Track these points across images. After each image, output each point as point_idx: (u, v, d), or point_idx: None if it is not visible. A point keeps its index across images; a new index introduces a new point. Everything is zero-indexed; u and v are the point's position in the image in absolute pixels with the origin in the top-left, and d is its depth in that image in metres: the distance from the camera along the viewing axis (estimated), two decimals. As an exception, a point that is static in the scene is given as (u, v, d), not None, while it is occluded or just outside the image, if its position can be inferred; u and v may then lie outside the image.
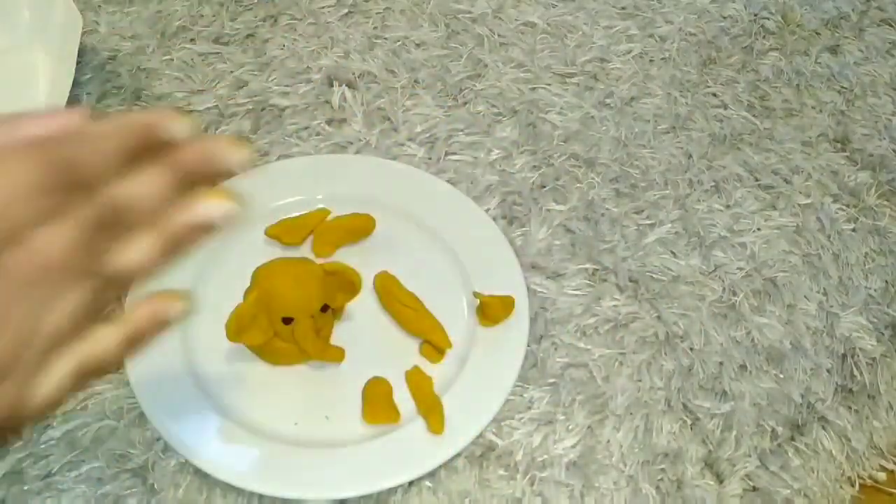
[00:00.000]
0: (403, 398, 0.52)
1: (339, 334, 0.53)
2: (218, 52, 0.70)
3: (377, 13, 0.73)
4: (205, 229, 0.30)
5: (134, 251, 0.28)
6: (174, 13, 0.73)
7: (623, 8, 0.75)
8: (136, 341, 0.30)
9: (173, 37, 0.71)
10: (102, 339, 0.29)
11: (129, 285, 0.30)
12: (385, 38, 0.72)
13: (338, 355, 0.52)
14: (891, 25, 0.76)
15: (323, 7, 0.73)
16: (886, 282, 0.61)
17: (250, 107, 0.67)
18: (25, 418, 0.29)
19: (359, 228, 0.58)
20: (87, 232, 0.27)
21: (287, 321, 0.49)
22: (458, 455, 0.50)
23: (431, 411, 0.50)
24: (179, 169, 0.29)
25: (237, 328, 0.48)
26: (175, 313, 0.31)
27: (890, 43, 0.75)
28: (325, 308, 0.50)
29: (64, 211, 0.27)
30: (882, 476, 0.54)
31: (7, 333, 0.26)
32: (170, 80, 0.68)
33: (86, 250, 0.27)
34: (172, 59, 0.69)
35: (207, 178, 0.30)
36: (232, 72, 0.69)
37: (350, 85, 0.68)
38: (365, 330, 0.54)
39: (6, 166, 0.26)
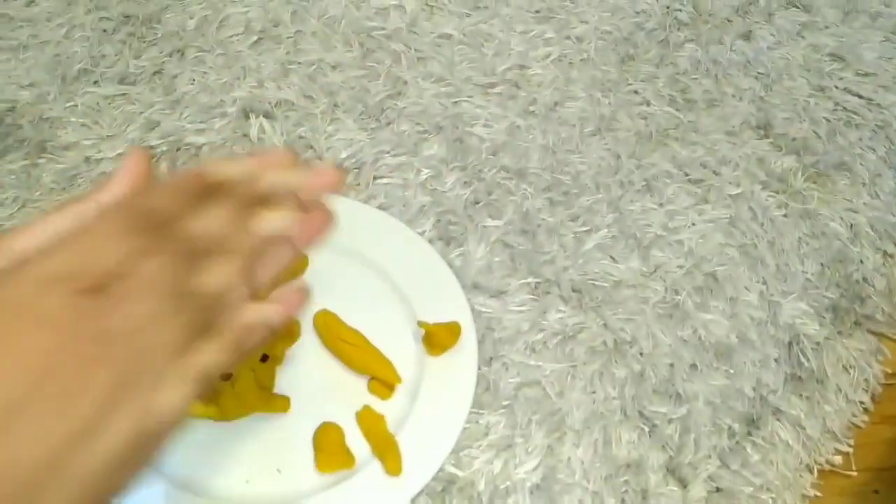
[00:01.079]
0: (357, 440, 0.50)
1: (283, 381, 0.51)
2: (125, 94, 0.67)
3: (288, 37, 0.71)
4: (272, 241, 0.35)
5: (218, 272, 0.33)
6: (73, 55, 0.69)
7: (537, 11, 0.75)
8: (242, 348, 0.34)
9: (75, 81, 0.67)
10: (209, 350, 0.33)
11: (226, 303, 0.33)
12: (299, 63, 0.69)
13: (283, 405, 0.50)
14: (798, 7, 0.77)
15: (231, 36, 0.71)
16: (822, 264, 0.61)
17: (165, 148, 0.64)
18: (157, 430, 0.31)
19: (291, 269, 0.55)
20: (177, 259, 0.32)
21: (226, 377, 0.47)
22: (419, 493, 0.49)
23: (387, 452, 0.49)
24: (240, 198, 0.35)
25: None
26: (273, 318, 0.36)
27: (800, 24, 0.76)
28: (264, 358, 0.48)
29: (154, 248, 0.32)
30: (838, 460, 0.54)
31: (121, 348, 0.29)
32: (76, 128, 0.64)
33: (179, 274, 0.31)
34: (77, 105, 0.66)
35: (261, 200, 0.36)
36: (142, 112, 0.65)
37: (267, 115, 0.66)
38: (310, 373, 0.52)
39: (103, 220, 0.32)
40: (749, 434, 0.53)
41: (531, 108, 0.68)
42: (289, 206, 0.37)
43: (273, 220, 0.35)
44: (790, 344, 0.57)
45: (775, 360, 0.56)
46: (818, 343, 0.57)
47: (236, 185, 0.36)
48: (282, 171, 0.37)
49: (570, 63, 0.71)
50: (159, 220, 0.33)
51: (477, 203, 0.62)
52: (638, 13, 0.75)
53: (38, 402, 0.28)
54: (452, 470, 0.50)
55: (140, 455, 0.31)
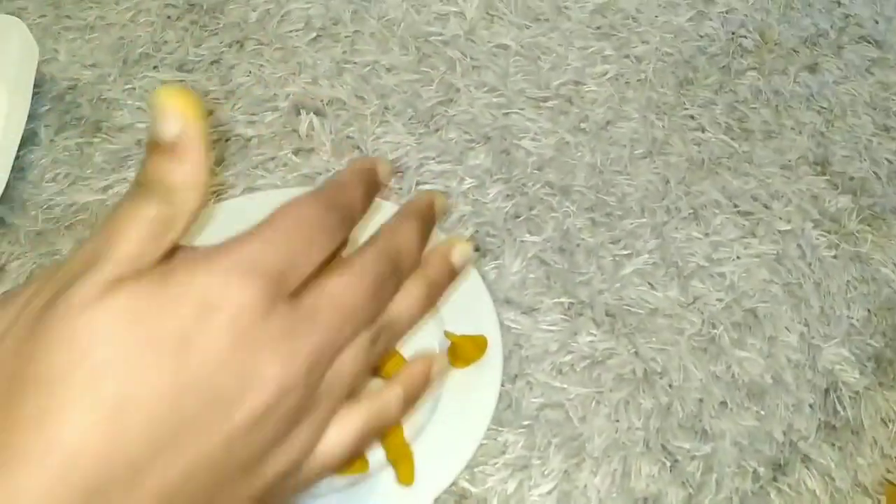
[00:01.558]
0: (373, 445, 0.50)
1: (306, 379, 0.51)
2: (182, 80, 0.68)
3: (346, 37, 0.71)
4: (455, 273, 0.33)
5: (407, 297, 0.30)
6: (137, 39, 0.70)
7: (598, 28, 0.74)
8: (412, 398, 0.32)
9: (135, 64, 0.69)
10: (387, 396, 0.30)
11: (402, 334, 0.31)
12: (354, 63, 0.70)
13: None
14: (869, 42, 0.75)
15: (290, 31, 0.71)
16: (869, 311, 0.59)
17: (215, 137, 0.65)
18: (310, 476, 0.28)
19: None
20: (377, 281, 0.28)
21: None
22: (429, 505, 0.48)
23: (401, 460, 0.48)
24: (423, 218, 0.32)
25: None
26: (440, 371, 0.34)
27: (869, 60, 0.73)
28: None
29: (353, 260, 0.28)
30: (867, 515, 0.52)
31: (312, 376, 0.26)
32: (132, 111, 0.66)
33: (375, 300, 0.28)
34: (135, 89, 0.67)
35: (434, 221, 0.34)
36: (196, 100, 0.66)
37: (318, 112, 0.66)
38: (332, 374, 0.52)
39: (296, 208, 0.27)
40: (774, 480, 0.52)
41: (582, 125, 0.67)
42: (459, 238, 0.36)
43: (466, 251, 0.34)
44: (827, 391, 0.55)
45: (810, 406, 0.55)
46: (857, 392, 0.55)
47: (420, 205, 0.34)
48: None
49: (627, 82, 0.70)
50: (353, 213, 0.29)
51: (517, 217, 0.61)
52: (701, 37, 0.74)
53: (221, 423, 0.25)
54: (465, 485, 0.50)
55: (290, 490, 0.29)
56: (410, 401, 0.32)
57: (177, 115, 0.26)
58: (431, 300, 0.32)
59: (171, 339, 0.24)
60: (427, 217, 0.33)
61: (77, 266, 0.25)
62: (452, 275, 0.33)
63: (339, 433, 0.28)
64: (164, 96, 0.26)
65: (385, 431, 0.32)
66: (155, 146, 0.26)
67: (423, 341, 0.53)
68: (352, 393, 0.29)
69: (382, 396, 0.30)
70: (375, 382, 0.33)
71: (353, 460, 0.30)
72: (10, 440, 0.22)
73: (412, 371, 0.32)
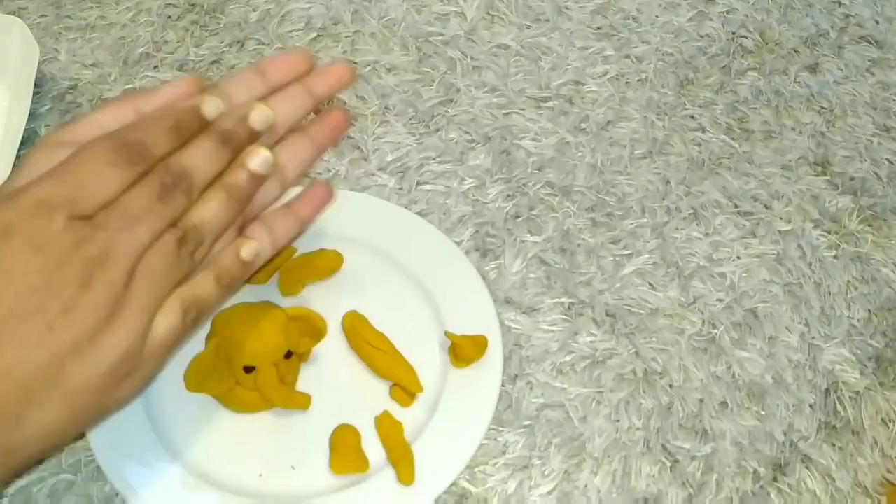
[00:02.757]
0: (373, 444, 0.50)
1: (306, 378, 0.51)
2: (182, 80, 0.68)
3: (346, 37, 0.71)
4: (256, 178, 0.37)
5: (206, 206, 0.35)
6: (137, 39, 0.70)
7: (599, 28, 0.74)
8: (227, 280, 0.37)
9: (136, 64, 0.69)
10: (198, 281, 0.35)
11: (211, 236, 0.36)
12: (355, 63, 0.70)
13: (303, 402, 0.50)
14: (870, 42, 0.75)
15: (291, 31, 0.71)
16: (869, 311, 0.59)
17: (215, 137, 0.64)
18: (150, 351, 0.33)
19: (325, 266, 0.56)
20: (160, 188, 0.33)
21: (249, 370, 0.47)
22: (429, 505, 0.48)
23: (401, 460, 0.48)
24: (224, 136, 0.36)
25: (196, 379, 0.46)
26: (253, 252, 0.38)
27: (870, 61, 0.73)
28: (288, 354, 0.48)
29: (143, 179, 0.34)
30: (867, 515, 0.52)
31: (113, 270, 0.32)
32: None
33: (163, 203, 0.33)
34: (135, 88, 0.67)
35: (246, 138, 0.38)
36: (196, 100, 0.66)
37: (318, 112, 0.66)
38: (333, 373, 0.52)
39: (94, 148, 0.33)
40: (775, 480, 0.52)
41: (583, 126, 0.67)
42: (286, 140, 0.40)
43: (262, 157, 0.37)
44: (827, 391, 0.55)
45: (810, 406, 0.55)
46: (857, 392, 0.55)
47: (229, 120, 0.37)
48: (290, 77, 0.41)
49: (627, 83, 0.70)
50: (148, 151, 0.34)
51: (518, 217, 0.61)
52: (702, 37, 0.74)
53: (39, 314, 0.30)
54: (466, 485, 0.50)
55: (132, 374, 0.33)
56: (224, 280, 0.37)
57: None
58: (234, 204, 0.36)
59: None
60: (224, 135, 0.37)
61: None
62: (255, 179, 0.37)
63: (162, 314, 0.34)
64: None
65: (207, 311, 0.37)
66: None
67: (423, 341, 0.53)
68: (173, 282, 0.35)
69: (197, 280, 0.36)
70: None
71: (180, 342, 0.35)
72: None
73: (222, 255, 0.38)
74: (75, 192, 0.32)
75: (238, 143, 0.37)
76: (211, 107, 0.37)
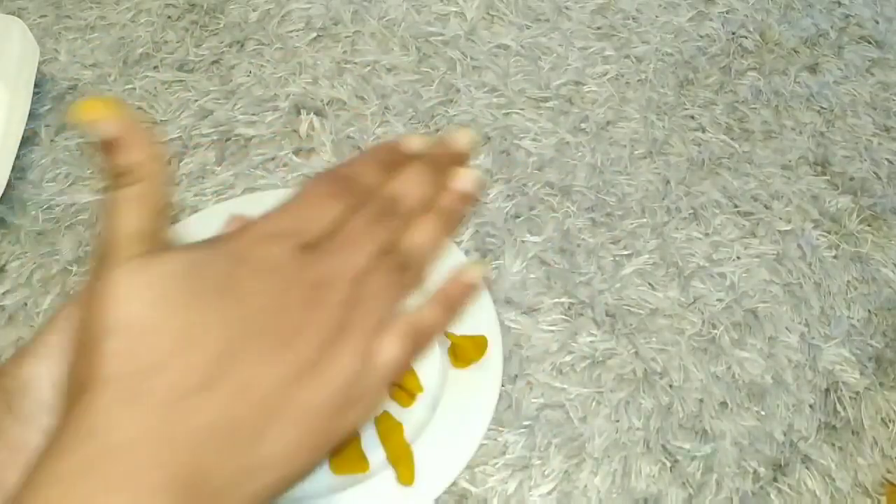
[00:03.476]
0: (373, 444, 0.50)
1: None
2: (182, 80, 0.68)
3: (346, 37, 0.71)
4: (466, 198, 0.37)
5: (420, 230, 0.35)
6: (137, 39, 0.70)
7: (598, 28, 0.74)
8: (451, 307, 0.37)
9: (136, 64, 0.69)
10: (423, 308, 0.35)
11: (426, 260, 0.36)
12: (355, 63, 0.70)
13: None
14: (870, 42, 0.75)
15: (291, 31, 0.71)
16: (869, 311, 0.59)
17: (215, 137, 0.65)
18: (376, 375, 0.33)
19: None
20: (376, 214, 0.35)
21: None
22: (429, 505, 0.48)
23: (401, 461, 0.48)
24: (431, 162, 0.38)
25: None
26: (477, 278, 0.38)
27: (869, 61, 0.73)
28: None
29: (360, 207, 0.35)
30: (867, 515, 0.52)
31: (337, 292, 0.32)
32: (132, 111, 0.66)
33: (380, 227, 0.34)
34: (135, 88, 0.67)
35: (451, 162, 0.38)
36: (196, 100, 0.66)
37: (318, 113, 0.66)
38: (333, 374, 0.52)
39: (312, 188, 0.35)
40: (775, 480, 0.52)
41: (582, 126, 0.67)
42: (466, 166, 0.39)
43: (468, 175, 0.38)
44: (827, 391, 0.55)
45: (810, 406, 0.55)
46: (857, 392, 0.55)
47: (430, 153, 0.39)
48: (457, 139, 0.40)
49: (627, 83, 0.70)
50: (362, 184, 0.36)
51: (518, 217, 0.61)
52: (702, 37, 0.74)
53: (270, 334, 0.31)
54: (466, 485, 0.50)
55: (360, 399, 0.33)
56: (449, 307, 0.37)
57: (106, 117, 0.32)
58: (446, 226, 0.37)
59: (218, 282, 0.30)
60: (429, 160, 0.38)
61: (94, 263, 0.31)
62: (464, 199, 0.38)
63: (388, 343, 0.33)
64: (86, 109, 0.32)
65: (429, 339, 0.36)
66: (105, 146, 0.32)
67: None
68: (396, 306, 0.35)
69: (420, 308, 0.36)
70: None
71: (405, 369, 0.35)
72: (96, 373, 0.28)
73: (446, 284, 0.37)
74: (299, 224, 0.34)
75: (443, 166, 0.38)
76: (416, 143, 0.39)
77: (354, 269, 0.33)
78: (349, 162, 0.38)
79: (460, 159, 0.39)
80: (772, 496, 0.51)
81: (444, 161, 0.38)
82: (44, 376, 0.32)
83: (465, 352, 0.52)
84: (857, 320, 0.59)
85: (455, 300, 0.37)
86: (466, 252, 0.59)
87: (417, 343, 0.35)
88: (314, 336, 0.31)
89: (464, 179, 0.37)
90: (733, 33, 0.74)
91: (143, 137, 0.32)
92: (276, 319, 0.31)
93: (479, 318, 0.54)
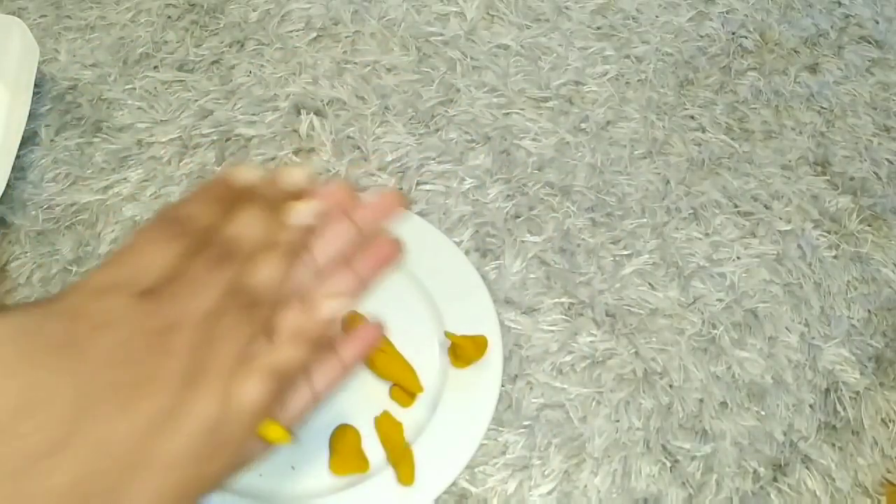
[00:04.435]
0: (373, 444, 0.50)
1: (306, 379, 0.51)
2: (182, 80, 0.68)
3: (346, 37, 0.71)
4: (306, 230, 0.37)
5: (264, 265, 0.35)
6: (137, 39, 0.70)
7: (598, 28, 0.74)
8: (309, 340, 0.35)
9: (136, 64, 0.69)
10: (283, 346, 0.34)
11: (272, 297, 0.35)
12: (355, 63, 0.70)
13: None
14: (870, 42, 0.75)
15: (291, 31, 0.71)
16: (869, 311, 0.59)
17: (215, 137, 0.65)
18: (237, 420, 0.32)
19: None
20: (216, 255, 0.34)
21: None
22: (429, 505, 0.48)
23: (401, 461, 0.48)
24: (268, 200, 0.37)
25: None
26: (335, 311, 0.36)
27: (869, 61, 0.73)
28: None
29: (198, 249, 0.34)
30: (867, 515, 0.52)
31: (185, 337, 0.31)
32: (132, 111, 0.66)
33: (221, 269, 0.34)
34: (135, 88, 0.67)
35: (288, 198, 0.37)
36: (196, 100, 0.66)
37: (318, 113, 0.66)
38: (333, 374, 0.52)
39: (144, 232, 0.34)
40: (775, 480, 0.52)
41: (582, 126, 0.67)
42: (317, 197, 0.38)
43: (305, 209, 0.37)
44: (827, 391, 0.55)
45: (810, 406, 0.55)
46: (857, 392, 0.55)
47: (264, 187, 0.37)
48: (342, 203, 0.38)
49: (627, 83, 0.70)
50: (197, 225, 0.35)
51: (518, 217, 0.61)
52: (702, 37, 0.74)
53: (119, 388, 0.29)
54: (466, 485, 0.50)
55: (226, 444, 0.32)
56: (306, 340, 0.35)
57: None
58: (286, 260, 0.36)
59: (58, 340, 0.29)
60: (265, 198, 0.37)
61: None
62: (305, 231, 0.37)
63: (249, 385, 0.32)
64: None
65: (292, 377, 0.35)
66: None
67: (423, 341, 0.53)
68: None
69: (278, 347, 0.35)
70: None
71: (272, 411, 0.34)
72: None
73: (301, 318, 0.36)
74: (134, 272, 0.32)
75: (279, 204, 0.37)
76: (247, 175, 0.38)
77: (199, 310, 0.32)
78: (182, 202, 0.36)
79: (297, 195, 0.37)
80: (772, 496, 0.51)
81: (281, 198, 0.37)
82: None
83: (466, 351, 0.52)
84: (857, 320, 0.59)
85: (314, 335, 0.35)
86: (467, 252, 0.59)
87: (281, 382, 0.33)
88: (167, 383, 0.30)
89: (301, 213, 0.36)
90: (733, 33, 0.74)
91: None
92: (125, 370, 0.30)
93: (479, 318, 0.54)
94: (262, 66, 0.69)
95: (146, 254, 0.33)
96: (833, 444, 0.53)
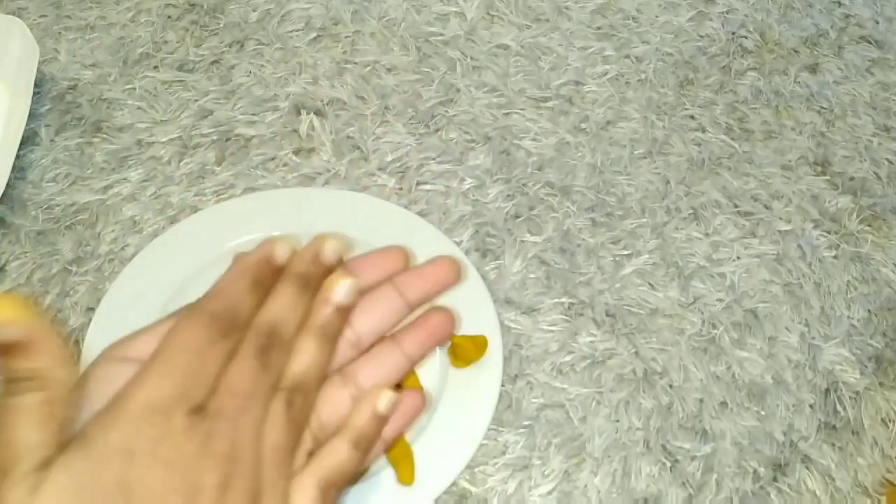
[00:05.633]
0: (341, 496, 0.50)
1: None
2: (182, 80, 0.68)
3: (346, 37, 0.71)
4: (342, 310, 0.36)
5: (302, 355, 0.34)
6: (137, 39, 0.70)
7: (598, 28, 0.74)
8: (364, 443, 0.35)
9: (136, 64, 0.69)
10: (333, 449, 0.34)
11: (314, 386, 0.34)
12: (355, 63, 0.70)
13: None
14: (870, 42, 0.75)
15: (291, 31, 0.71)
16: (869, 311, 0.59)
17: (215, 137, 0.65)
18: None
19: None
20: (259, 354, 0.32)
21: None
22: (429, 505, 0.48)
23: (401, 461, 0.48)
24: (303, 278, 0.36)
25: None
26: (387, 406, 0.35)
27: (870, 61, 0.73)
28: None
29: (237, 348, 0.33)
30: (867, 515, 0.52)
31: (245, 462, 0.31)
32: (132, 111, 0.66)
33: (265, 369, 0.32)
34: (135, 88, 0.67)
35: (324, 274, 0.37)
36: (196, 100, 0.66)
37: (318, 113, 0.66)
38: (333, 374, 0.52)
39: (182, 334, 0.32)
40: (775, 480, 0.52)
41: (582, 126, 0.67)
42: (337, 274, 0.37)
43: (343, 289, 0.36)
44: (827, 391, 0.55)
45: (810, 406, 0.55)
46: (857, 392, 0.55)
47: (302, 262, 0.36)
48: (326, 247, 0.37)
49: (627, 83, 0.70)
50: (238, 317, 0.34)
51: (518, 217, 0.61)
52: (702, 37, 0.74)
53: None
54: (465, 485, 0.50)
55: None
56: (362, 443, 0.35)
57: (15, 320, 0.29)
58: (327, 343, 0.35)
59: (113, 492, 0.28)
60: (302, 278, 0.36)
61: None
62: (340, 311, 0.36)
63: (301, 495, 0.32)
64: None
65: (345, 479, 0.34)
66: (9, 349, 0.29)
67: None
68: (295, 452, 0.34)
69: (329, 450, 0.34)
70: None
71: None
72: None
73: (354, 417, 0.35)
74: (183, 384, 0.31)
75: (316, 281, 0.36)
76: (282, 252, 0.37)
77: (252, 426, 0.31)
78: (219, 290, 0.35)
79: (331, 270, 0.37)
80: (772, 496, 0.51)
81: (317, 275, 0.36)
82: None
83: (466, 351, 0.52)
84: (857, 320, 0.59)
85: (370, 438, 0.35)
86: (466, 252, 0.59)
87: (337, 489, 0.33)
88: None
89: (339, 292, 0.36)
90: (733, 33, 0.74)
91: (53, 341, 0.30)
92: (191, 502, 0.29)
93: (478, 318, 0.54)
94: (262, 66, 0.69)
95: (192, 362, 0.32)
96: (833, 444, 0.53)
